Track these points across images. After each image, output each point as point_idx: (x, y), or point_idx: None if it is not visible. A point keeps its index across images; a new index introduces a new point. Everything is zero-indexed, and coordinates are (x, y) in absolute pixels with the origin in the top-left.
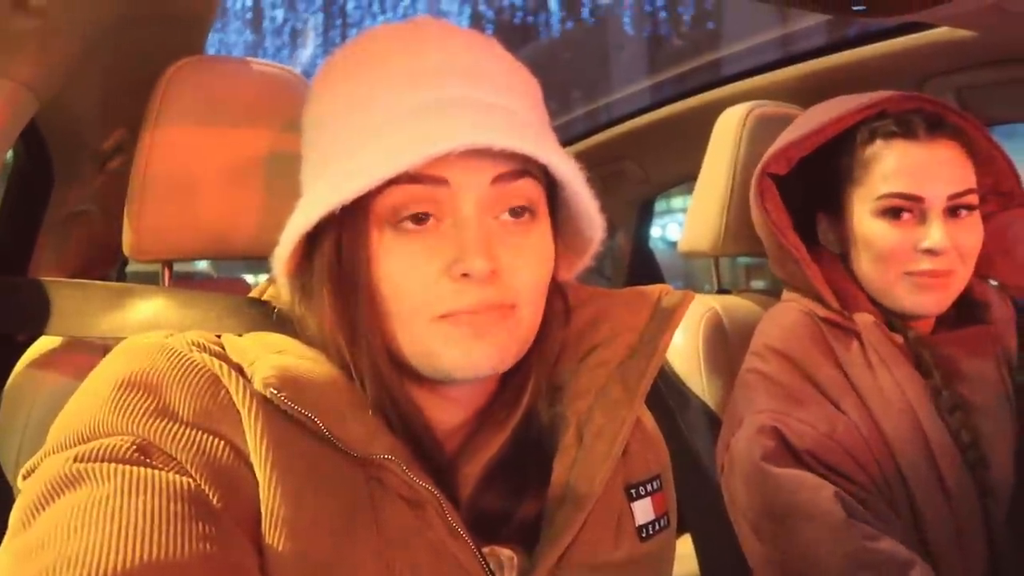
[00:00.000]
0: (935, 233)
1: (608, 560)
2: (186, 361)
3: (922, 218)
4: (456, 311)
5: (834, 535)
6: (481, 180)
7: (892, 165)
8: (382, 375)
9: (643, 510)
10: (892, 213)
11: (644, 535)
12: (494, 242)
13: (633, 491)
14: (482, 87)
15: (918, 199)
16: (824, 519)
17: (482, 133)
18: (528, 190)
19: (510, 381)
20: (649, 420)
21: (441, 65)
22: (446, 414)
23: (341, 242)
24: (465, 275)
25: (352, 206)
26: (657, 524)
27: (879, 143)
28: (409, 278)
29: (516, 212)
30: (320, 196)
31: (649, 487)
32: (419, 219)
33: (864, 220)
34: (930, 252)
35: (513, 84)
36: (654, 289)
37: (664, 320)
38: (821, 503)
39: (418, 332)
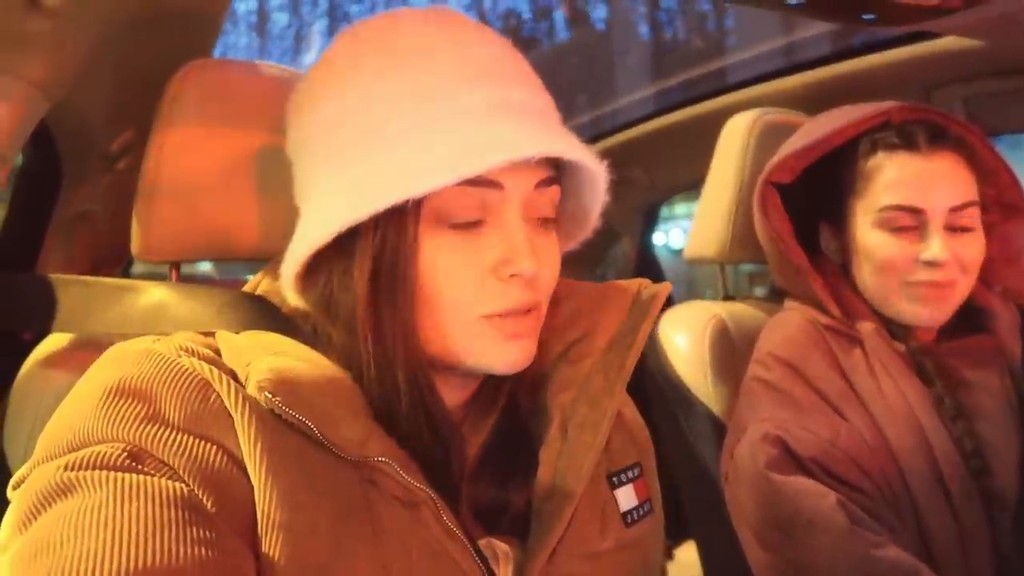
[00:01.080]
0: (935, 245)
1: (597, 549)
2: (174, 366)
3: (923, 230)
4: (499, 312)
5: (839, 543)
6: (527, 185)
7: (893, 177)
8: (414, 365)
9: (626, 497)
10: (893, 225)
11: (629, 521)
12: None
13: (615, 479)
14: (527, 89)
15: (919, 211)
16: (828, 527)
17: (546, 141)
18: (556, 195)
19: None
20: (630, 409)
21: (489, 64)
22: (452, 394)
23: (385, 236)
24: (513, 276)
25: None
26: (641, 510)
27: (881, 154)
28: (457, 276)
29: (546, 220)
30: (369, 188)
31: (630, 474)
32: (471, 221)
33: (865, 231)
34: (931, 264)
35: (540, 85)
36: (633, 282)
37: (643, 311)
38: (825, 511)
39: (457, 329)
